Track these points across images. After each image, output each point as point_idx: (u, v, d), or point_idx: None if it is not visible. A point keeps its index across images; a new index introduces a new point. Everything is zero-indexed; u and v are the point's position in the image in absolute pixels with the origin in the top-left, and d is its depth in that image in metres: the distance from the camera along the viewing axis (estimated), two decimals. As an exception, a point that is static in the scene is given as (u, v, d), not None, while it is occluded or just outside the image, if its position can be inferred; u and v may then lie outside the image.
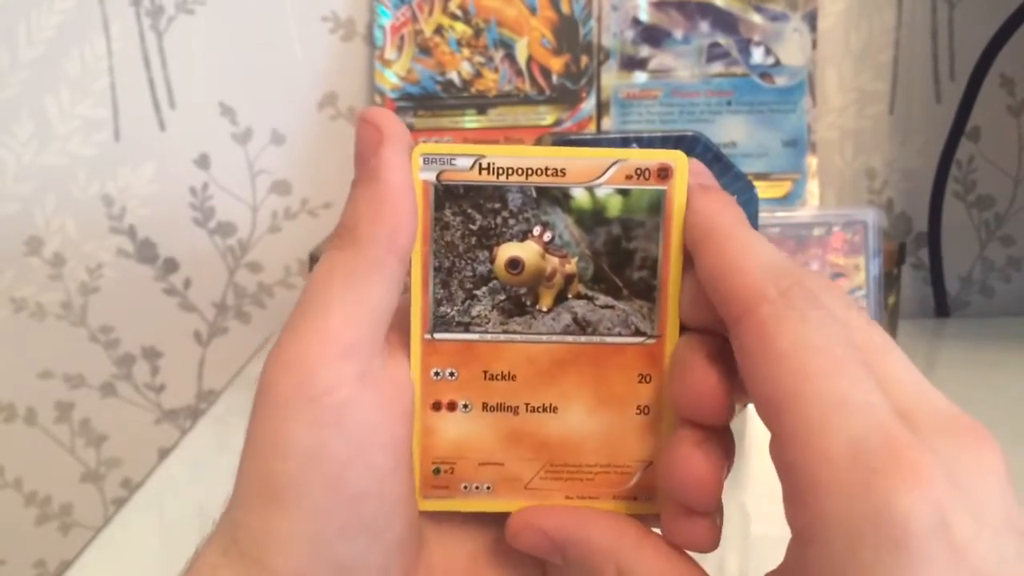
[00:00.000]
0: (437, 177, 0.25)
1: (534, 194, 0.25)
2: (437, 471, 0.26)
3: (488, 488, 0.26)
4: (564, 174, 0.25)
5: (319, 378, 0.23)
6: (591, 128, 0.80)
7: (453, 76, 0.80)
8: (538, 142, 0.57)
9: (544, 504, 0.26)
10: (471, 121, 0.80)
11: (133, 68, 0.84)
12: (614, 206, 0.25)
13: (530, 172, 0.25)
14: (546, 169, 0.25)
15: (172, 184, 0.85)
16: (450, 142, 0.80)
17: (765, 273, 0.22)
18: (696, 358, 0.24)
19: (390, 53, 0.81)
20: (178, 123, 0.85)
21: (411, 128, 0.80)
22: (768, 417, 0.21)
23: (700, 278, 0.24)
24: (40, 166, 0.85)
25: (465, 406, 0.26)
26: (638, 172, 0.25)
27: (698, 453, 0.24)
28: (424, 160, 0.25)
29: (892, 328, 0.69)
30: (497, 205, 0.25)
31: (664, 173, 0.25)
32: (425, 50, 0.80)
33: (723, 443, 0.24)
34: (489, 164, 0.25)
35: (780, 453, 0.21)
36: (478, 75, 0.80)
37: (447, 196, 0.25)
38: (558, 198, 0.25)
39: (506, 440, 0.26)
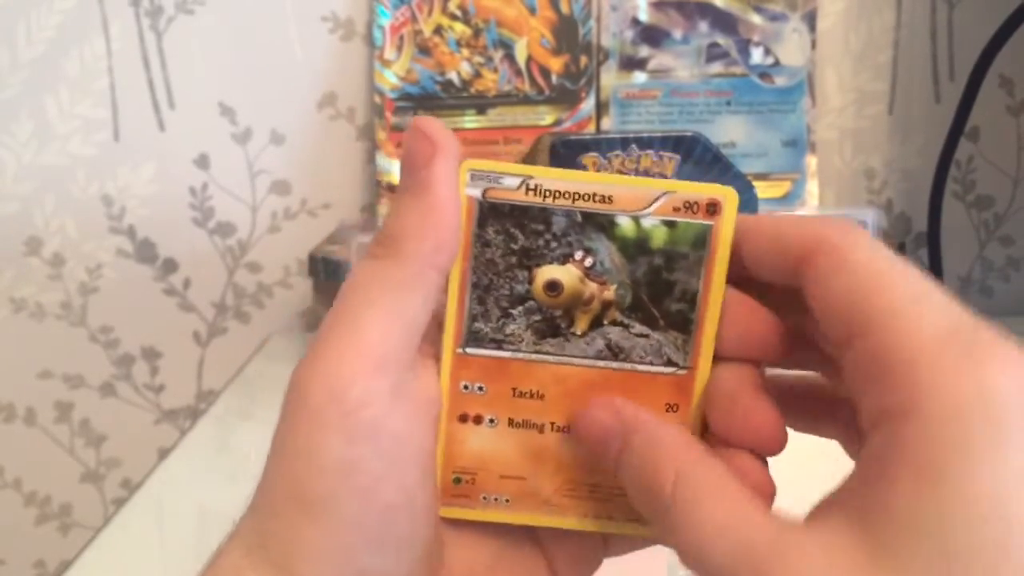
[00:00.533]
0: (483, 194, 0.25)
1: (579, 219, 0.25)
2: (458, 480, 0.26)
3: (507, 501, 0.27)
4: (611, 201, 0.25)
5: (354, 392, 0.23)
6: (590, 128, 0.80)
7: (452, 76, 0.80)
8: (537, 141, 0.57)
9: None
10: (471, 121, 0.80)
11: (132, 68, 0.84)
12: (659, 237, 0.25)
13: (577, 197, 0.25)
14: (594, 195, 0.25)
15: (172, 184, 0.85)
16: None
17: (826, 221, 0.23)
18: (746, 390, 0.24)
19: (389, 53, 0.81)
20: (177, 123, 0.85)
21: (411, 128, 0.80)
22: (852, 319, 0.21)
23: (753, 249, 0.24)
24: (40, 166, 0.85)
25: (491, 420, 0.26)
26: (686, 205, 0.25)
27: (756, 465, 0.24)
28: (471, 176, 0.25)
29: (891, 328, 0.69)
30: (541, 227, 0.25)
31: (713, 208, 0.25)
32: (424, 50, 0.80)
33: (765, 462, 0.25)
34: (536, 186, 0.25)
35: (868, 341, 0.21)
36: (477, 75, 0.80)
37: (491, 214, 0.25)
38: (603, 225, 0.25)
39: (529, 456, 0.26)
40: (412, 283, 0.24)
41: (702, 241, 0.25)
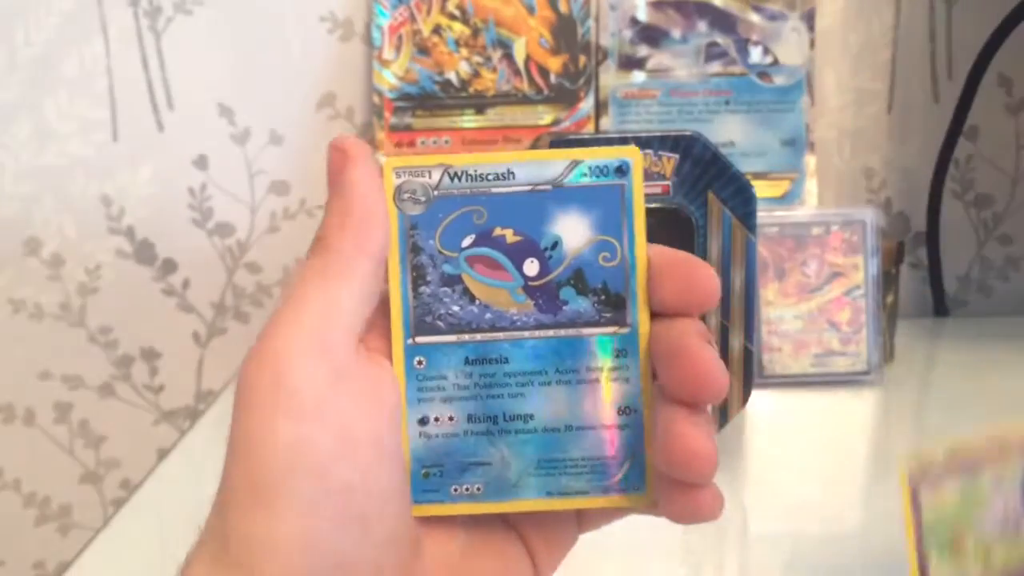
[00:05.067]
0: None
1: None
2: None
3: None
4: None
5: (295, 376, 0.24)
6: (589, 128, 0.80)
7: (451, 76, 0.80)
8: (536, 141, 0.57)
9: None
10: (469, 121, 0.80)
11: (131, 69, 0.84)
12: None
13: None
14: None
15: (170, 185, 0.85)
16: (448, 143, 0.80)
17: None
18: (689, 343, 0.25)
19: (388, 53, 0.81)
20: (176, 124, 0.85)
21: (409, 128, 0.80)
22: None
23: None
24: (39, 167, 0.85)
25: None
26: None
27: (695, 429, 0.25)
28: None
29: (891, 327, 0.69)
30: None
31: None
32: (423, 50, 0.80)
33: (707, 414, 0.26)
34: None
35: None
36: (476, 75, 0.80)
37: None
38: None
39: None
40: (343, 272, 0.25)
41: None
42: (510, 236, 0.27)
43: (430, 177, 0.26)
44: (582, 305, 0.27)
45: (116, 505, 0.88)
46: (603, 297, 0.27)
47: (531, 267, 0.27)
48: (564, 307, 0.27)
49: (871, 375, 0.65)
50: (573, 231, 0.27)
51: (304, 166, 0.85)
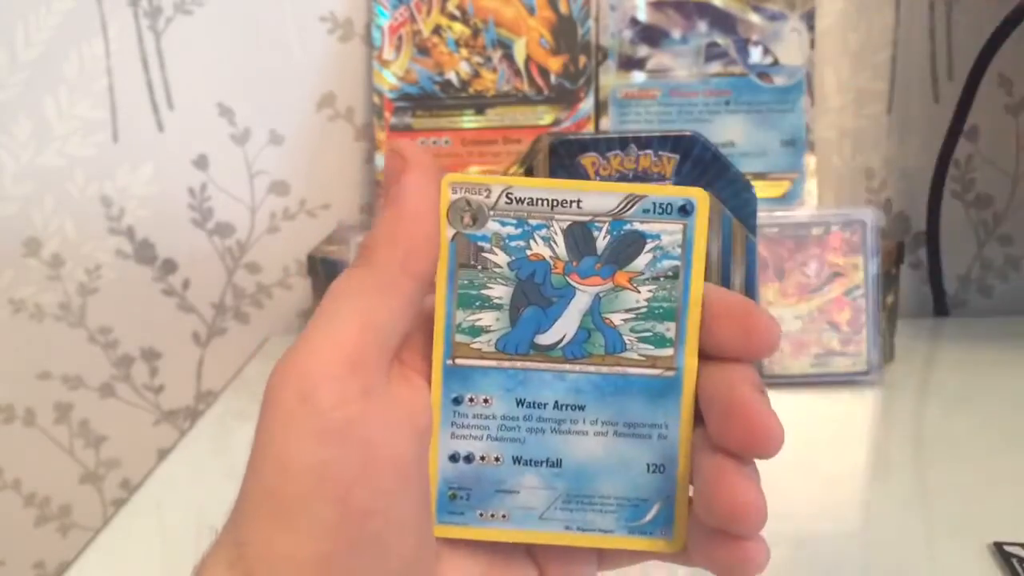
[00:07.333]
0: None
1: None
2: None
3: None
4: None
5: (324, 394, 0.23)
6: (589, 128, 0.80)
7: (451, 76, 0.80)
8: (536, 142, 0.57)
9: None
10: (469, 121, 0.80)
11: (131, 69, 0.84)
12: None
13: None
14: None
15: (170, 185, 0.85)
16: (448, 143, 0.80)
17: None
18: (744, 395, 0.24)
19: (388, 53, 0.81)
20: (176, 124, 0.85)
21: (409, 128, 0.80)
22: None
23: None
24: (38, 167, 0.85)
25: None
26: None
27: (745, 481, 0.24)
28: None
29: (891, 327, 0.69)
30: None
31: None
32: (423, 50, 0.80)
33: (754, 464, 0.25)
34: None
35: None
36: (476, 75, 0.80)
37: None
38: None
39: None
40: (384, 289, 0.24)
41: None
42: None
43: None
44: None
45: (116, 505, 0.88)
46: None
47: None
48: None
49: (871, 375, 0.65)
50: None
51: (304, 166, 0.85)
